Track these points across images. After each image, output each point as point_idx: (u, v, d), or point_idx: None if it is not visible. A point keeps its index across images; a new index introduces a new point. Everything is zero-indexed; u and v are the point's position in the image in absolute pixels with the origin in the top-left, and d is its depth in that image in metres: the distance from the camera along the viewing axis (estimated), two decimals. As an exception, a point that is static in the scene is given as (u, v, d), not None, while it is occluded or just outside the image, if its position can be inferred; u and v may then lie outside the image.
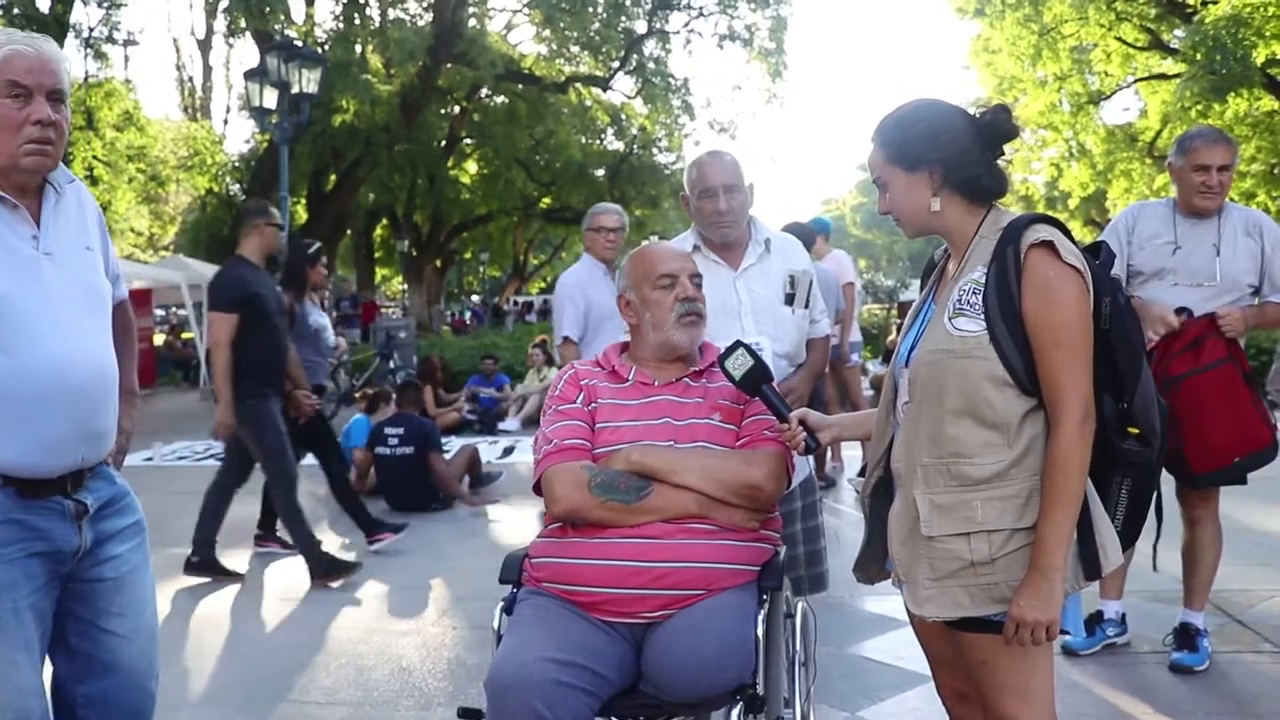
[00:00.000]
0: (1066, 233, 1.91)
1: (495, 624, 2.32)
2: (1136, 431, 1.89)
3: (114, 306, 2.37)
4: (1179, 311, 3.34)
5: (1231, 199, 3.66)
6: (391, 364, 12.24)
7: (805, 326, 3.15)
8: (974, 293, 1.89)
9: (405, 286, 33.92)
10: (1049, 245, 1.84)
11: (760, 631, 2.15)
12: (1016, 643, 1.84)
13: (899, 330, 2.10)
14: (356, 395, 11.57)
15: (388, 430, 6.79)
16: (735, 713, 2.02)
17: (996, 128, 1.96)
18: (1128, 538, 1.96)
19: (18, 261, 2.04)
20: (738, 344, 2.34)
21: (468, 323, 29.97)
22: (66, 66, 2.11)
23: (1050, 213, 1.89)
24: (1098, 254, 1.97)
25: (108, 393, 2.17)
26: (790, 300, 3.07)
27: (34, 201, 2.11)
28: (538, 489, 2.33)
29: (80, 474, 2.14)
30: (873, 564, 2.15)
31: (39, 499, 2.07)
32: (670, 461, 2.25)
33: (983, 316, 1.86)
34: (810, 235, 7.06)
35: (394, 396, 7.80)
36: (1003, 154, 2.01)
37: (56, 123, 2.05)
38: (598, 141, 28.57)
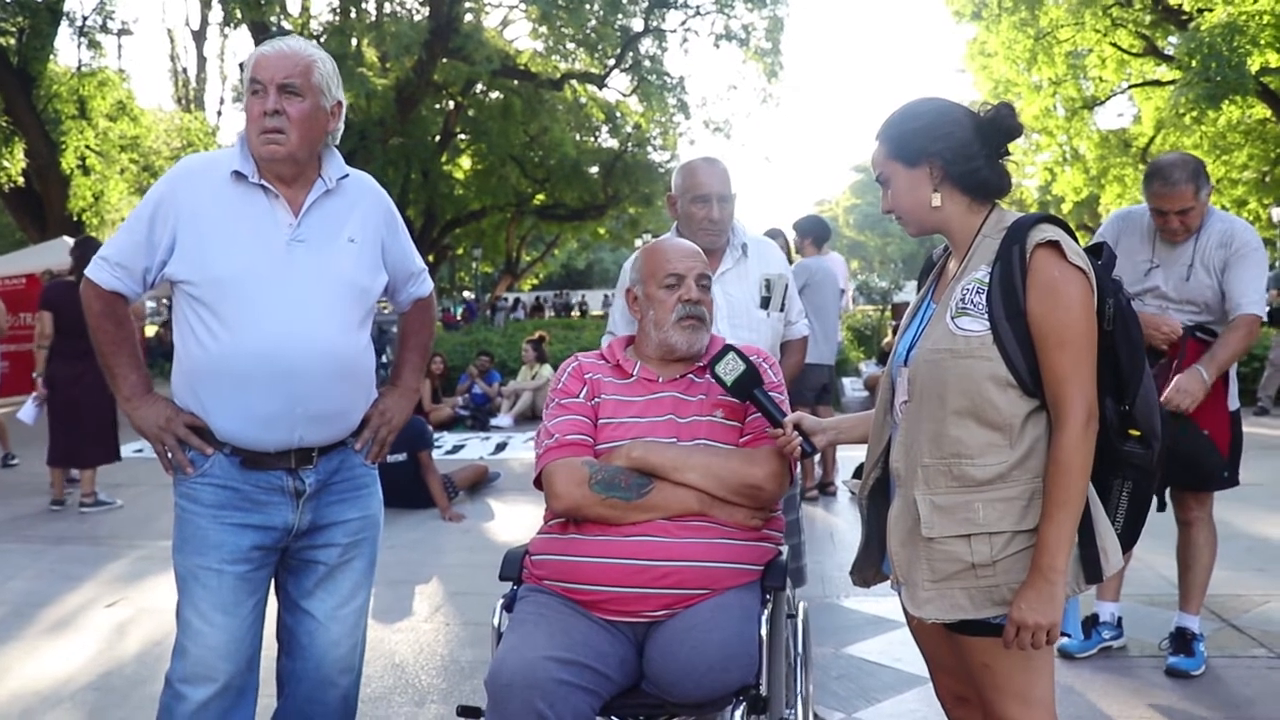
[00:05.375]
0: (1071, 233, 1.90)
1: (495, 621, 2.30)
2: (1138, 434, 1.88)
3: (413, 303, 2.49)
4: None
5: (1224, 206, 3.63)
6: (384, 358, 12.17)
7: (780, 329, 3.22)
8: (978, 292, 1.87)
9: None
10: (1055, 245, 1.83)
11: (764, 631, 2.14)
12: (1017, 646, 1.82)
13: (894, 332, 2.07)
14: None
15: None
16: (738, 713, 2.01)
17: (999, 124, 1.94)
18: (1127, 541, 1.94)
19: (263, 246, 2.14)
20: (729, 348, 2.31)
21: (459, 318, 29.88)
22: (314, 59, 2.16)
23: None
24: (1099, 255, 1.96)
25: (336, 378, 2.19)
26: (765, 303, 3.15)
27: (300, 191, 2.21)
28: (539, 483, 2.31)
29: (308, 453, 2.19)
30: (869, 567, 2.12)
31: (260, 470, 2.17)
32: (672, 459, 2.23)
33: (986, 316, 1.84)
34: (826, 230, 7.04)
35: None
36: (1007, 153, 1.99)
37: (282, 111, 2.11)
38: (592, 139, 28.56)
